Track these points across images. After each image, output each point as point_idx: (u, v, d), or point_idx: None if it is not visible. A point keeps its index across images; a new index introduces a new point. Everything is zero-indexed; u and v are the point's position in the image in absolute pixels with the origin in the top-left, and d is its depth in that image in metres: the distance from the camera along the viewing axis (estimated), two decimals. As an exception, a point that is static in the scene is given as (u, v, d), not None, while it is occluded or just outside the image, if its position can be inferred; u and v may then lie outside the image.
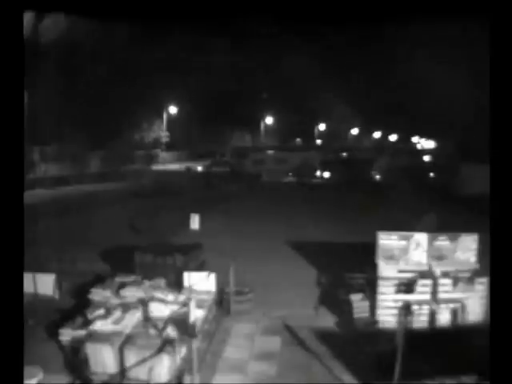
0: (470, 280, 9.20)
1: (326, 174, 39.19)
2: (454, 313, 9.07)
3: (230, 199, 24.95)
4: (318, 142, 77.13)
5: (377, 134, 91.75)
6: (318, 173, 38.78)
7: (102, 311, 8.26)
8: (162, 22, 36.49)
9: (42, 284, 10.30)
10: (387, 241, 9.48)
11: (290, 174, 37.82)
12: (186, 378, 7.11)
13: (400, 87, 52.95)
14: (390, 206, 20.37)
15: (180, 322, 7.86)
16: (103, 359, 7.26)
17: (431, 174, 38.04)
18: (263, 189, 31.50)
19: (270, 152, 44.85)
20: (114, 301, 8.72)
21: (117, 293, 8.99)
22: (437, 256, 9.46)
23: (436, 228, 10.36)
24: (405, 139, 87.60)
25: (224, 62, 46.54)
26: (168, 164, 47.84)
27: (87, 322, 8.06)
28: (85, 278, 10.99)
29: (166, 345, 7.29)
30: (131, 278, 9.62)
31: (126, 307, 8.36)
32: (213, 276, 9.54)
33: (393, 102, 57.48)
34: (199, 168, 43.77)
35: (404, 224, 10.84)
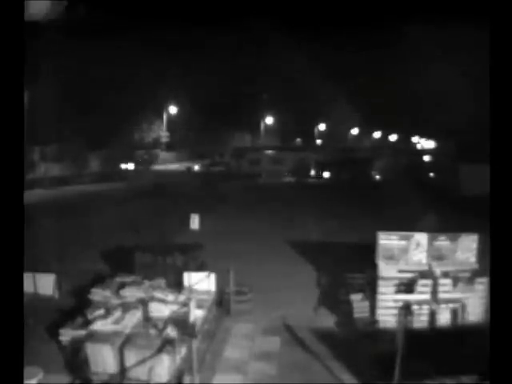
0: (470, 280, 9.21)
1: (326, 174, 39.20)
2: (454, 313, 9.07)
3: (229, 199, 24.94)
4: (318, 141, 77.12)
5: (377, 134, 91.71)
6: (313, 173, 38.87)
7: (101, 311, 8.26)
8: (163, 22, 36.50)
9: (42, 284, 10.33)
10: (387, 241, 9.48)
11: (287, 173, 37.88)
12: (186, 378, 7.11)
13: (400, 87, 52.95)
14: (390, 206, 20.35)
15: (180, 321, 7.87)
16: (103, 359, 7.25)
17: (431, 174, 38.05)
18: (261, 189, 31.48)
19: (267, 152, 44.82)
20: (114, 301, 8.73)
21: (117, 293, 8.99)
22: (437, 256, 9.47)
23: (435, 227, 10.36)
24: (405, 139, 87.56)
25: (224, 62, 46.51)
26: (168, 164, 47.83)
27: (87, 322, 8.06)
28: (85, 278, 10.99)
29: (165, 345, 7.28)
30: (131, 278, 9.63)
31: (126, 307, 8.36)
32: (213, 276, 9.54)
33: (393, 102, 57.47)
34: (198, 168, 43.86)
35: (404, 224, 10.84)
